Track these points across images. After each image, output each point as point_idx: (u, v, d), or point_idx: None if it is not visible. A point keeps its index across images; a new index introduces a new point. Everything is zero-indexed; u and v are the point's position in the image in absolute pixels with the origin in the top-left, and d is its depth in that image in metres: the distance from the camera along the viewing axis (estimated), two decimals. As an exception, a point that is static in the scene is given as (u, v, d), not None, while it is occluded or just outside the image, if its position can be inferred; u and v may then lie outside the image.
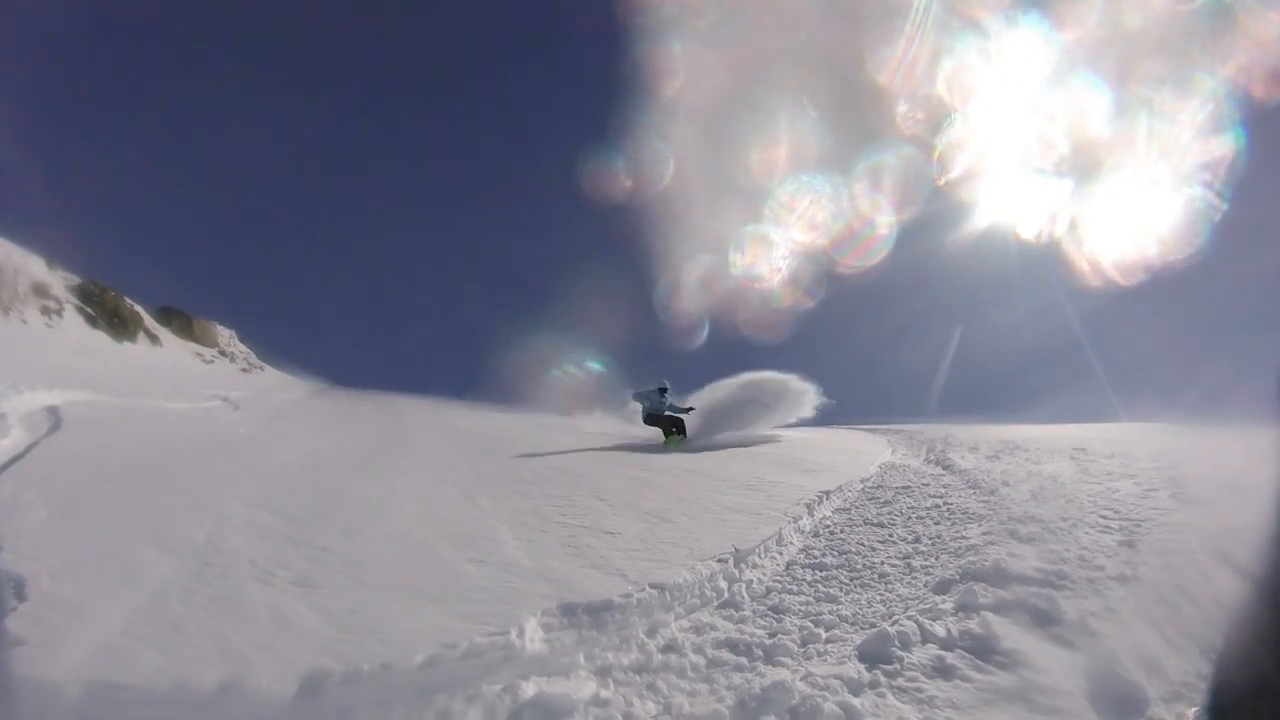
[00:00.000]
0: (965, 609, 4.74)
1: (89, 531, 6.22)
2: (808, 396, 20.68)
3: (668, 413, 18.60)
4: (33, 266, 40.65)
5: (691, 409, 19.06)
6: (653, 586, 5.21)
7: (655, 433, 18.36)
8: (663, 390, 18.97)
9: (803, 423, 20.45)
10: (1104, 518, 6.99)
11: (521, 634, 4.36)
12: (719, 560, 5.96)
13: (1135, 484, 8.51)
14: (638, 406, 19.15)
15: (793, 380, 20.88)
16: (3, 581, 4.83)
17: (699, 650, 4.46)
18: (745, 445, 16.26)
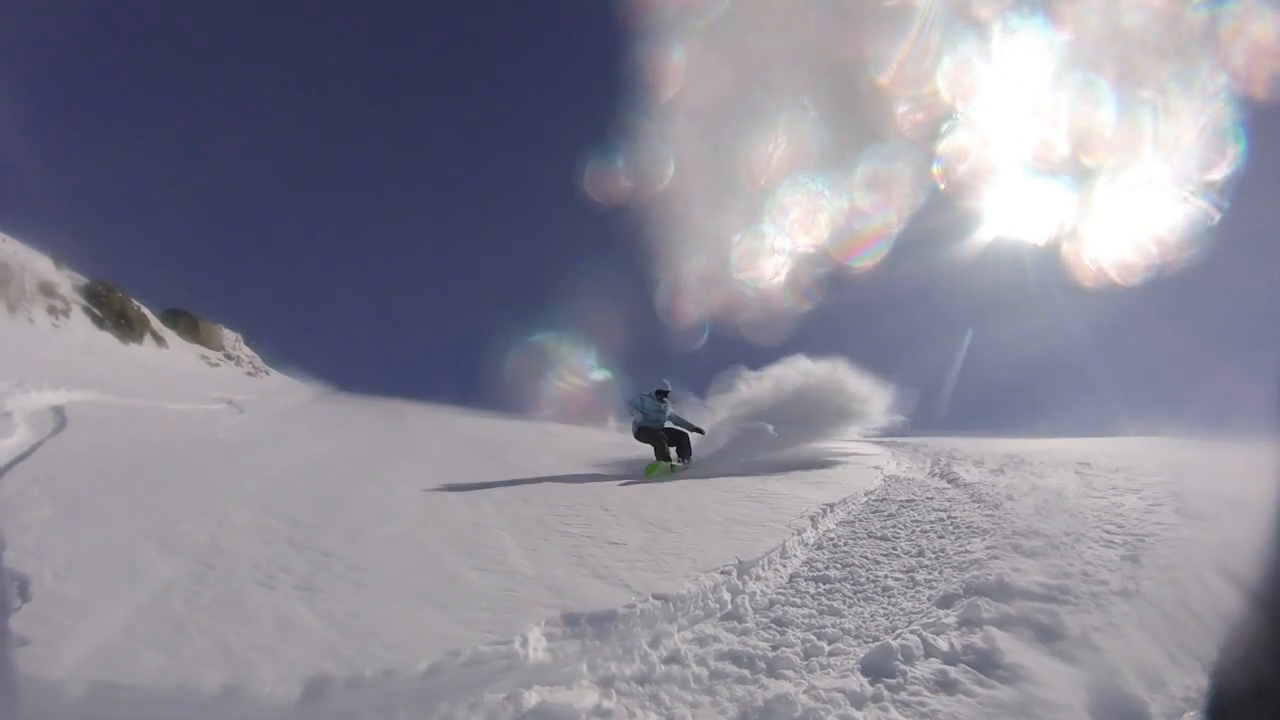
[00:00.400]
0: (968, 623, 4.73)
1: (92, 531, 6.24)
2: (873, 404, 16.99)
3: (668, 424, 14.47)
4: (40, 266, 40.80)
5: (700, 431, 14.95)
6: (656, 597, 5.20)
7: (649, 451, 14.05)
8: (662, 394, 14.53)
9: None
10: (1108, 532, 6.98)
11: (525, 643, 4.35)
12: (722, 572, 5.95)
13: (1140, 499, 8.51)
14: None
15: (849, 379, 17.17)
16: (6, 580, 4.85)
17: (702, 662, 4.45)
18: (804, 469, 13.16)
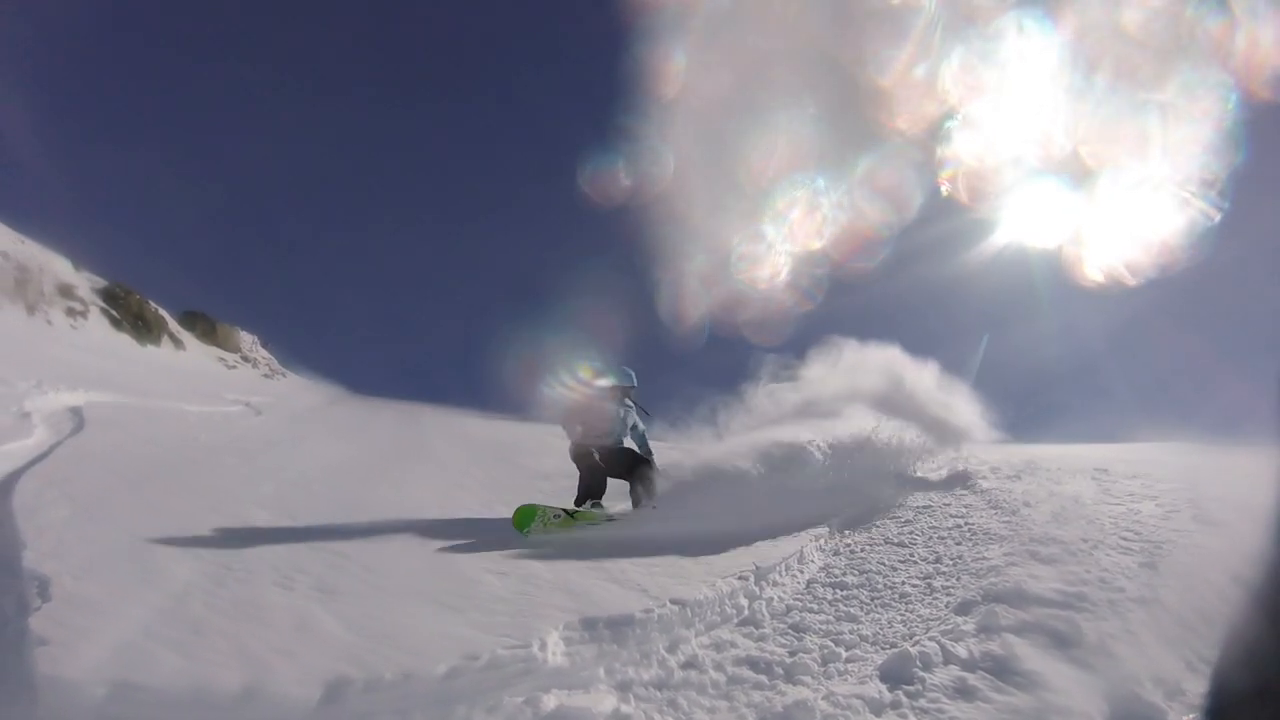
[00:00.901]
0: (986, 630, 4.72)
1: (110, 532, 6.26)
2: (976, 421, 13.52)
3: (628, 442, 9.71)
4: (58, 268, 41.17)
5: (654, 468, 9.32)
6: (673, 602, 5.19)
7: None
8: (623, 390, 9.64)
9: None
10: (1125, 539, 6.94)
11: (543, 647, 4.35)
12: (739, 577, 5.93)
13: (1157, 505, 8.45)
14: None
15: (938, 384, 13.83)
16: (26, 580, 4.87)
17: (719, 667, 4.44)
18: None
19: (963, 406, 14.05)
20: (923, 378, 14.18)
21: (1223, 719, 2.22)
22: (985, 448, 14.03)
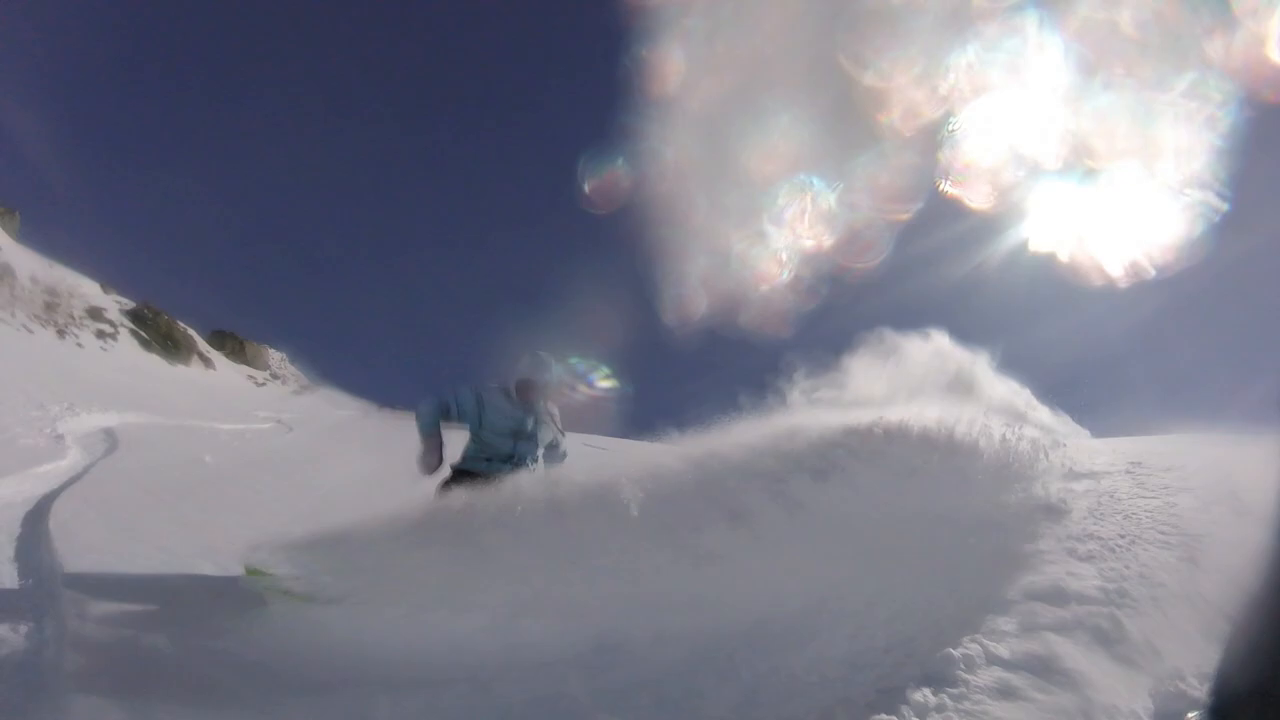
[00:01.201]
0: (1027, 630, 4.67)
1: (148, 551, 6.31)
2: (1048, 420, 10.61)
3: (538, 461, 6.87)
4: (87, 290, 41.67)
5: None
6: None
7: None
8: (527, 389, 6.59)
9: None
10: (1163, 534, 6.84)
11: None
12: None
13: (1194, 498, 8.33)
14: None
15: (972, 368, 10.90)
16: (65, 601, 4.90)
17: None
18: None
19: (1040, 405, 11.44)
20: (985, 370, 11.28)
21: (1224, 718, 2.19)
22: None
